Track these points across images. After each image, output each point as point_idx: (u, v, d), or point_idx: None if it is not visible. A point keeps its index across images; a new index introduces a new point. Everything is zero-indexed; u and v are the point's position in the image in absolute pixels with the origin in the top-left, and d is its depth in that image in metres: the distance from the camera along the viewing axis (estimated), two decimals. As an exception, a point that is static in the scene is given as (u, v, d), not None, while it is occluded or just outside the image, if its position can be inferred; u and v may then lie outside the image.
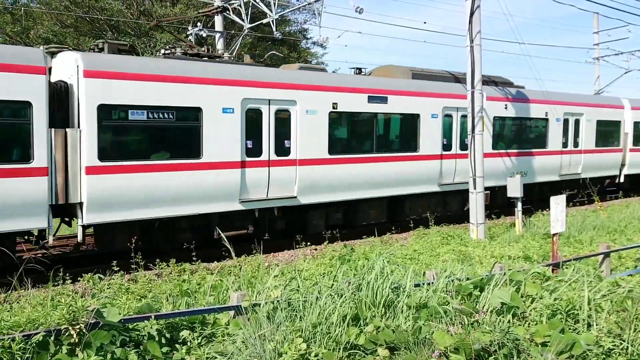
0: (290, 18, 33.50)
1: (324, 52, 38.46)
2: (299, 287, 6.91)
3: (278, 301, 6.08)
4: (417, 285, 6.92)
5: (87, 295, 9.22)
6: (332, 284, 6.89)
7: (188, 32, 22.15)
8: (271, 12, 18.45)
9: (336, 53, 69.05)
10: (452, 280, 6.95)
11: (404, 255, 12.29)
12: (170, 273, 10.84)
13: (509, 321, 6.10)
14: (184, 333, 5.89)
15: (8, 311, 6.97)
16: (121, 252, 12.25)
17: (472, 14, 14.60)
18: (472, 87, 14.82)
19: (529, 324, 6.18)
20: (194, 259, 11.42)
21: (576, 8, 23.44)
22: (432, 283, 6.91)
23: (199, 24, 21.87)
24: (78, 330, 4.95)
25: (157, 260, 11.20)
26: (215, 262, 12.27)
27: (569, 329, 6.03)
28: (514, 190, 16.00)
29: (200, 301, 7.37)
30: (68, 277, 9.54)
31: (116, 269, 10.00)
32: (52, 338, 4.96)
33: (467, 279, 7.12)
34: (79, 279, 9.94)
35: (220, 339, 5.98)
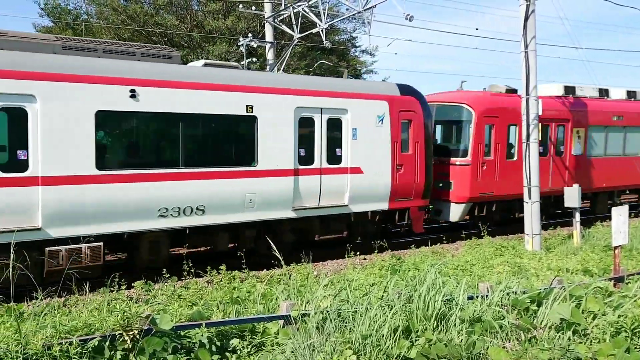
0: (339, 27, 33.62)
1: (373, 60, 38.39)
2: (348, 297, 6.83)
3: (327, 311, 6.02)
4: (470, 298, 6.71)
5: (140, 301, 9.44)
6: (383, 295, 6.77)
7: (239, 43, 22.57)
8: (321, 21, 18.54)
9: (386, 61, 68.84)
10: (508, 294, 6.70)
11: (456, 266, 12.00)
12: (221, 280, 10.95)
13: (569, 338, 5.82)
14: (234, 341, 5.90)
15: (67, 315, 7.20)
16: (172, 258, 12.48)
17: (526, 18, 14.21)
18: (527, 93, 14.40)
19: (590, 342, 5.88)
20: (244, 267, 11.51)
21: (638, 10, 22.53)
22: (486, 296, 6.68)
23: (249, 34, 22.25)
24: (132, 336, 5.03)
25: (209, 267, 11.34)
26: (265, 270, 12.32)
27: (635, 348, 5.70)
28: (572, 200, 15.39)
29: (250, 310, 7.39)
30: (123, 283, 9.80)
31: (167, 275, 10.18)
32: (107, 343, 5.07)
33: (524, 292, 6.86)
34: (132, 285, 10.17)
35: (269, 348, 5.96)
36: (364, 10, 17.24)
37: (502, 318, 6.03)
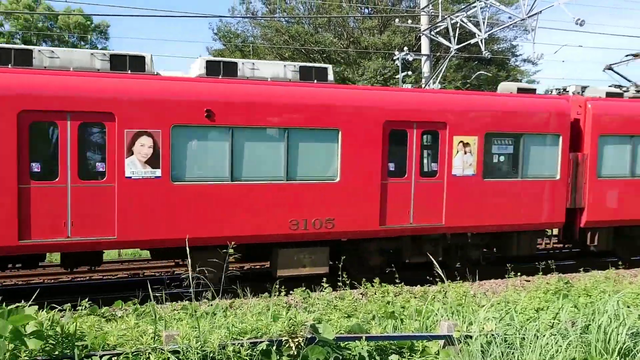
0: (498, 36, 32.28)
1: (536, 70, 36.25)
2: (513, 321, 6.40)
3: (493, 335, 5.70)
4: (661, 334, 5.92)
5: (298, 307, 9.79)
6: (553, 322, 6.24)
7: (394, 57, 22.69)
8: (480, 31, 17.93)
9: (551, 70, 64.29)
10: None
11: (636, 294, 10.71)
12: (375, 294, 10.96)
13: None
14: (393, 357, 5.83)
15: (234, 317, 7.69)
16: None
17: None
18: None
19: None
20: (397, 281, 11.42)
21: None
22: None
23: (405, 48, 22.26)
24: (297, 343, 5.21)
25: (363, 280, 11.44)
26: (419, 286, 12.11)
27: None
28: None
29: (408, 326, 7.27)
30: (283, 290, 10.25)
31: (325, 285, 10.44)
32: (274, 348, 5.30)
33: None
34: (291, 292, 10.59)
35: (429, 368, 5.80)
36: (528, 17, 16.35)
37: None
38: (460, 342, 5.80)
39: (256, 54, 29.77)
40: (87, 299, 7.82)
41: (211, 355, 5.10)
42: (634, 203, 14.51)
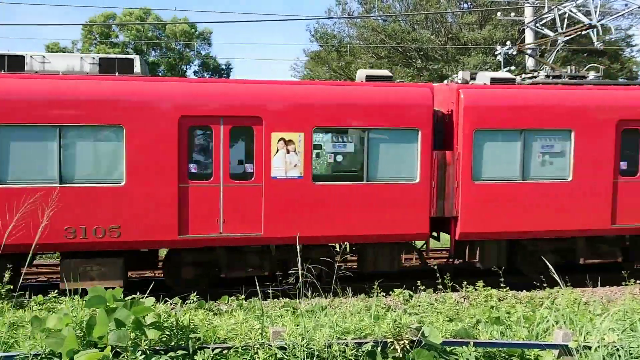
0: (609, 25, 30.04)
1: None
2: (637, 332, 5.90)
3: (615, 347, 5.28)
4: None
5: (397, 309, 9.67)
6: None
7: (496, 52, 21.81)
8: (591, 21, 16.76)
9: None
10: None
11: None
12: (477, 297, 10.59)
13: None
14: (503, 365, 5.59)
15: (334, 316, 7.74)
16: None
17: None
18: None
19: None
20: (502, 285, 10.94)
21: None
22: None
23: (507, 42, 21.34)
24: (402, 345, 5.13)
25: (464, 282, 11.08)
26: (524, 291, 11.54)
27: None
28: None
29: (519, 333, 6.92)
30: (380, 290, 10.14)
31: (422, 287, 10.22)
32: (379, 349, 5.25)
33: None
34: (390, 292, 10.47)
35: (542, 379, 5.49)
36: (648, 2, 15.06)
37: None
38: (578, 353, 5.43)
39: (352, 54, 29.90)
40: (194, 293, 8.20)
41: (317, 353, 5.15)
42: (529, 211, 11.96)
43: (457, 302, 10.35)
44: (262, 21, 50.69)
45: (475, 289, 10.66)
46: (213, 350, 5.23)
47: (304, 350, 5.12)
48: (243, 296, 9.33)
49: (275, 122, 11.02)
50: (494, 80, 12.40)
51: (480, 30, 27.29)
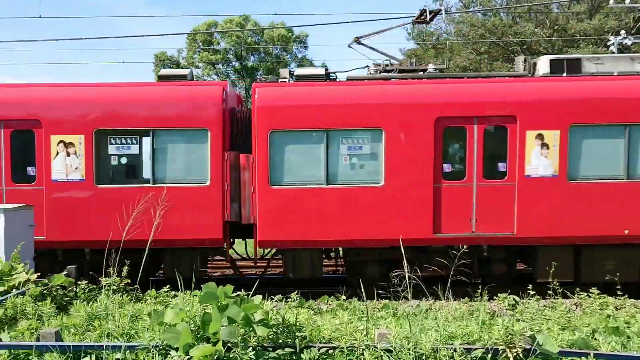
0: None
1: None
2: None
3: None
4: None
5: (501, 314, 9.27)
6: None
7: (609, 43, 20.37)
8: None
9: None
10: None
11: None
12: (591, 305, 9.94)
13: None
14: (626, 381, 5.16)
15: (435, 319, 7.56)
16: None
17: None
18: None
19: None
20: (619, 292, 10.18)
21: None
22: None
23: (622, 31, 19.86)
24: (515, 354, 4.89)
25: (576, 289, 10.44)
26: (645, 300, 10.66)
27: None
28: None
29: (646, 346, 6.38)
30: (485, 294, 9.79)
31: (532, 292, 9.75)
32: (490, 356, 5.04)
33: None
34: (494, 297, 10.09)
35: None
36: None
37: None
38: None
39: (451, 50, 29.14)
40: (296, 292, 8.35)
41: (423, 357, 5.05)
42: (338, 218, 11.14)
43: (569, 309, 9.80)
44: (356, 22, 50.62)
45: (589, 296, 10.03)
46: (319, 349, 5.28)
47: (410, 354, 5.03)
48: (343, 297, 9.38)
49: (54, 124, 11.02)
50: (299, 78, 11.78)
51: (590, 20, 25.56)
